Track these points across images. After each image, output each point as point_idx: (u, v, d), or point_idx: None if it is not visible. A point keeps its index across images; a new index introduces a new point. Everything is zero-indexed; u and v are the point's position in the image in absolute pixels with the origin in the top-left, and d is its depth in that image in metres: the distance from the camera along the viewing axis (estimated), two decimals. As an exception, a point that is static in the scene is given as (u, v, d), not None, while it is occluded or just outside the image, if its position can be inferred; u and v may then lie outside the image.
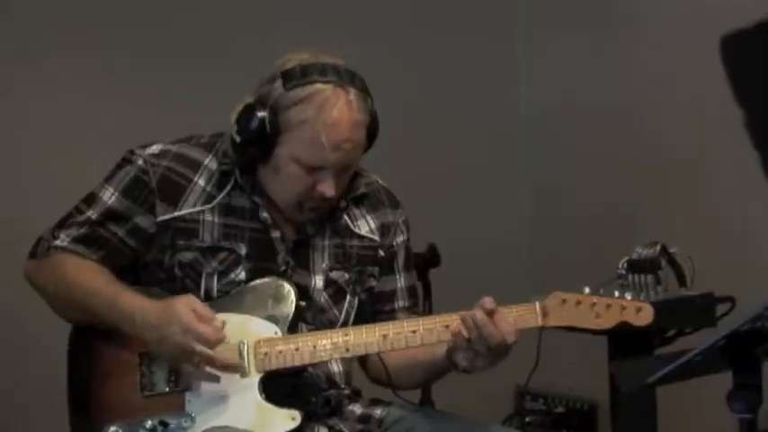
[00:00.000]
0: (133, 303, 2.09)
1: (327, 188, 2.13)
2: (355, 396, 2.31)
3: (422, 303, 2.88)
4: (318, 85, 2.10)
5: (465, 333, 2.05)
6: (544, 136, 3.92)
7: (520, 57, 3.98)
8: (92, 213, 2.20)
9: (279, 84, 2.12)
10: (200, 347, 2.04)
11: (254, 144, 2.13)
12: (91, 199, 2.22)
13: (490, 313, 2.04)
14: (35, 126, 3.17)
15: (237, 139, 2.13)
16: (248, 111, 2.12)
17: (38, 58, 3.15)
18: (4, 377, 3.08)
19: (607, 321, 2.09)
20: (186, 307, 2.05)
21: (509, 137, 3.95)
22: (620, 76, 3.62)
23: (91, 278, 2.15)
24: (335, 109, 2.09)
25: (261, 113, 2.11)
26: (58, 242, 2.20)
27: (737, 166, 3.17)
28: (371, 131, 2.17)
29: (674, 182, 3.43)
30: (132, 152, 2.23)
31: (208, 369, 2.08)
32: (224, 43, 3.35)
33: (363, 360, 2.32)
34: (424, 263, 2.97)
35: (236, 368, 2.09)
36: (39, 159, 3.14)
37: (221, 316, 2.12)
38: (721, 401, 1.81)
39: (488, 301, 2.05)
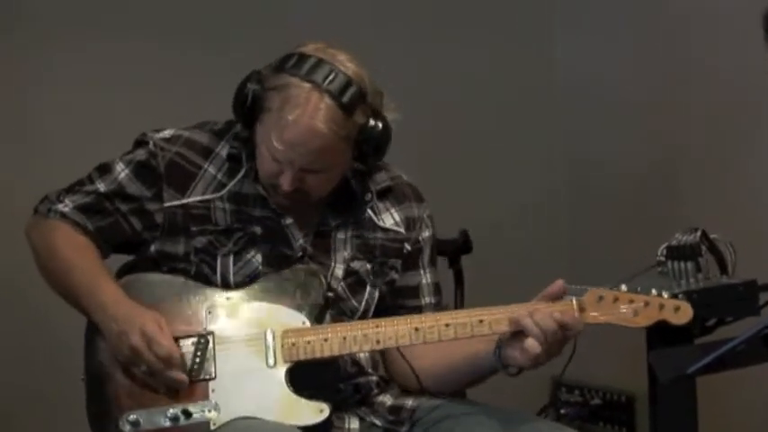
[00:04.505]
0: (110, 294, 2.11)
1: (284, 181, 2.10)
2: (384, 384, 2.28)
3: (453, 291, 2.85)
4: (295, 80, 2.06)
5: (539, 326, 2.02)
6: (581, 117, 3.86)
7: (556, 31, 3.92)
8: (101, 185, 2.22)
9: (276, 63, 2.11)
10: (150, 355, 2.04)
11: (240, 113, 2.13)
12: (104, 170, 2.23)
13: (555, 299, 2.04)
14: (45, 119, 3.18)
15: (232, 103, 2.14)
16: (246, 79, 2.13)
17: (49, 50, 3.17)
18: (18, 365, 3.08)
19: (645, 320, 2.07)
20: (154, 319, 2.07)
21: (544, 119, 3.89)
22: (661, 45, 3.56)
23: (79, 256, 2.17)
24: (297, 111, 2.04)
25: (251, 85, 2.10)
26: (60, 206, 2.21)
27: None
28: (361, 143, 2.11)
29: (717, 165, 3.37)
30: (145, 134, 2.24)
31: (148, 383, 2.07)
32: (240, 33, 3.35)
33: (388, 366, 2.28)
34: (455, 249, 2.93)
35: (181, 384, 2.06)
36: (45, 155, 3.15)
37: (248, 304, 2.11)
38: (764, 393, 1.76)
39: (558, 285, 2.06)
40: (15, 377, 3.07)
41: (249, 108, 2.11)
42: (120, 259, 2.28)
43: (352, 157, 2.15)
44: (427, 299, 2.30)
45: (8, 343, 3.08)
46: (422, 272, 2.30)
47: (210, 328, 2.11)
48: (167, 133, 2.22)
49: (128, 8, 3.26)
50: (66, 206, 2.21)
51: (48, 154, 3.13)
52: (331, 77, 2.06)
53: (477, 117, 3.71)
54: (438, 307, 2.32)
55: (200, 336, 2.10)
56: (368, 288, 2.23)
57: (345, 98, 2.06)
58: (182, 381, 2.06)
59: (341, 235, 2.23)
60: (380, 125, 2.12)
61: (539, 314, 2.02)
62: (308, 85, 2.06)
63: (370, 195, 2.24)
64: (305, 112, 2.05)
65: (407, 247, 2.28)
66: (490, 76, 3.76)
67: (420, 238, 2.30)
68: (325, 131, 2.05)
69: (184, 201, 2.17)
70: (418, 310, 2.28)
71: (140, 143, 2.23)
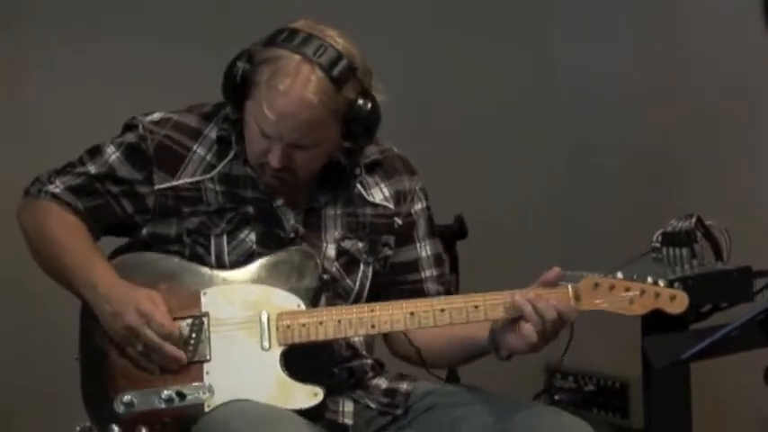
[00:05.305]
0: (102, 274, 2.11)
1: (272, 158, 2.10)
2: (379, 367, 2.28)
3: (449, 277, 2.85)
4: (285, 53, 2.06)
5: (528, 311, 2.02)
6: (580, 102, 3.86)
7: (556, 25, 3.91)
8: (91, 167, 2.21)
9: (266, 39, 2.11)
10: (148, 332, 2.04)
11: (229, 92, 2.13)
12: (95, 152, 2.23)
13: (552, 286, 2.04)
14: (45, 119, 3.17)
15: (222, 82, 2.14)
16: (236, 58, 2.12)
17: (49, 50, 3.16)
18: (19, 365, 3.08)
19: (640, 308, 2.07)
20: (148, 296, 2.07)
21: (543, 105, 3.89)
22: (660, 41, 3.56)
23: (71, 237, 2.17)
24: (287, 80, 2.04)
25: (240, 63, 2.10)
26: (51, 187, 2.21)
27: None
28: (351, 121, 2.10)
29: (712, 153, 3.37)
30: (134, 118, 2.24)
31: (143, 363, 2.07)
32: (240, 33, 3.30)
33: (389, 338, 2.29)
34: (450, 235, 2.93)
35: (179, 361, 2.06)
36: (45, 155, 3.11)
37: (243, 286, 2.11)
38: (758, 379, 1.76)
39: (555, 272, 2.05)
40: (16, 377, 3.07)
41: (239, 85, 2.10)
42: (113, 244, 2.27)
43: (341, 135, 2.14)
44: (427, 272, 2.29)
45: (9, 343, 3.08)
46: (418, 245, 2.29)
47: (206, 309, 2.10)
48: (156, 116, 2.22)
49: (128, 8, 3.26)
50: (57, 187, 2.21)
51: (48, 154, 3.09)
52: (321, 51, 2.07)
53: (475, 104, 3.70)
54: (440, 279, 2.31)
55: (196, 317, 2.10)
56: (361, 267, 2.23)
57: (336, 71, 2.06)
58: (179, 358, 2.06)
59: (330, 211, 2.22)
60: (370, 104, 2.12)
61: (540, 302, 2.02)
62: (298, 57, 2.06)
63: (359, 169, 2.24)
64: (295, 83, 2.04)
65: (398, 221, 2.27)
66: (490, 65, 3.75)
67: (412, 211, 2.29)
68: (315, 103, 2.05)
69: (175, 183, 2.17)
70: (419, 284, 2.27)
71: (130, 127, 2.23)
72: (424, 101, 3.54)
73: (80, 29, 3.19)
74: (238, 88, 2.11)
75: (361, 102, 2.11)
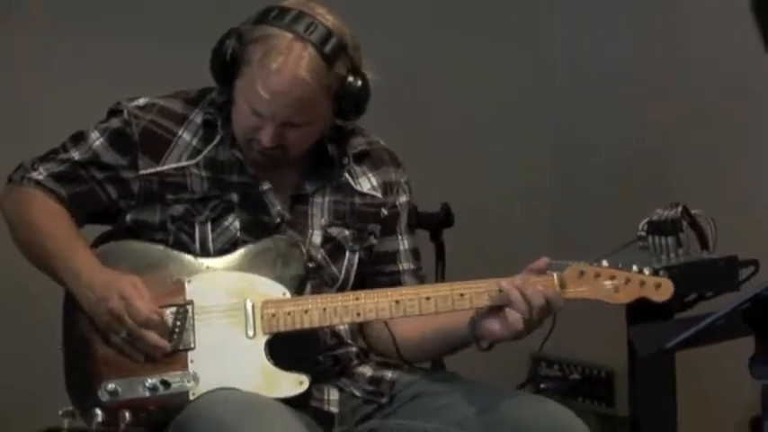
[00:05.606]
0: (85, 262, 2.10)
1: (264, 136, 2.10)
2: (364, 355, 2.28)
3: (435, 265, 2.85)
4: (276, 31, 2.07)
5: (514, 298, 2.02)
6: (565, 95, 3.86)
7: (545, 17, 3.90)
8: (75, 153, 2.21)
9: (255, 17, 2.11)
10: (128, 320, 2.03)
11: (218, 71, 2.13)
12: (78, 138, 2.22)
13: (538, 273, 2.04)
14: (45, 119, 3.14)
15: (210, 61, 2.13)
16: (225, 37, 2.12)
17: (49, 50, 3.14)
18: (19, 368, 3.06)
19: (625, 296, 2.07)
20: (131, 282, 2.06)
21: (529, 96, 3.88)
22: (646, 32, 3.56)
23: (54, 224, 2.16)
24: (280, 59, 2.05)
25: (229, 42, 2.10)
26: (34, 174, 2.20)
27: (761, 125, 3.12)
28: (345, 100, 2.11)
29: (698, 142, 3.37)
30: (119, 103, 2.23)
31: (128, 351, 2.06)
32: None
33: (366, 331, 2.28)
34: (437, 223, 2.92)
35: (162, 349, 2.05)
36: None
37: (228, 274, 2.11)
38: (742, 368, 1.77)
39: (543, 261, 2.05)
40: (15, 381, 3.05)
41: (229, 64, 2.10)
42: (96, 231, 2.26)
43: (333, 113, 2.15)
44: (405, 265, 2.29)
45: (9, 346, 3.06)
46: (399, 237, 2.30)
47: (190, 297, 2.10)
48: (141, 102, 2.22)
49: (128, 8, 3.24)
50: (40, 174, 2.20)
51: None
52: (312, 28, 2.07)
53: (462, 92, 3.69)
54: (417, 273, 2.31)
55: (180, 305, 2.09)
56: (347, 254, 2.23)
57: (327, 49, 2.07)
58: (162, 346, 2.05)
59: (318, 199, 2.22)
60: (360, 81, 2.12)
61: (529, 288, 2.02)
62: (289, 35, 2.06)
63: (347, 159, 2.24)
64: (288, 61, 2.04)
65: (384, 211, 2.27)
66: (484, 60, 3.74)
67: (397, 202, 2.29)
68: (308, 80, 2.05)
69: (159, 168, 2.16)
70: (396, 275, 2.28)
71: (114, 112, 2.22)
72: (414, 91, 3.53)
73: (80, 29, 3.17)
74: (228, 67, 2.10)
75: (351, 78, 2.11)
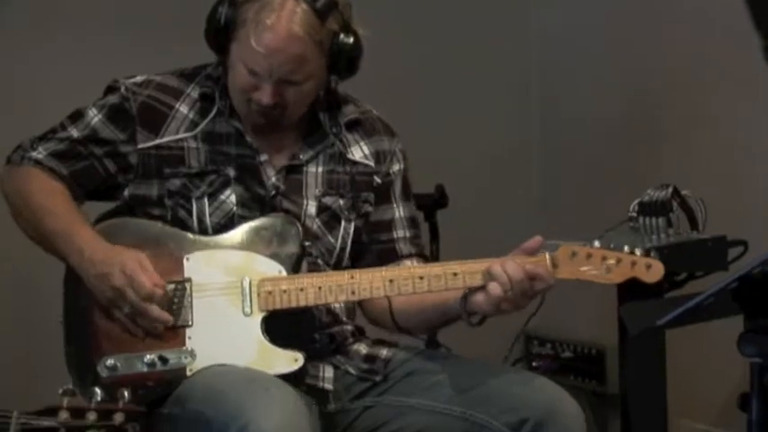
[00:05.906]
0: (86, 238, 2.11)
1: (262, 95, 2.12)
2: (359, 333, 2.30)
3: (429, 245, 2.86)
4: None
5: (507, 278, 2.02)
6: (555, 72, 3.86)
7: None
8: (74, 131, 2.22)
9: None
10: (132, 294, 2.04)
11: (213, 37, 2.15)
12: (77, 116, 2.24)
13: (531, 253, 2.05)
14: (45, 119, 3.12)
15: (204, 30, 2.15)
16: (217, 4, 2.14)
17: (49, 49, 3.14)
18: (19, 368, 3.06)
19: (617, 276, 2.08)
20: (134, 257, 2.08)
21: (518, 73, 3.89)
22: (638, 9, 3.55)
23: (54, 202, 2.17)
24: (273, 15, 2.07)
25: (222, 8, 2.12)
26: (33, 153, 2.21)
27: (753, 107, 3.13)
28: (338, 56, 2.14)
29: (689, 122, 3.38)
30: (116, 80, 2.24)
31: (129, 326, 2.08)
32: None
33: (366, 301, 2.28)
34: (431, 204, 2.94)
35: (165, 322, 2.07)
36: None
37: (226, 252, 2.12)
38: (731, 346, 1.79)
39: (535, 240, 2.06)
40: (14, 359, 3.06)
41: (223, 29, 2.12)
42: (96, 211, 2.27)
43: (327, 70, 2.16)
44: (400, 232, 2.30)
45: (7, 326, 3.06)
46: (394, 205, 2.31)
47: (188, 274, 2.11)
48: (139, 78, 2.24)
49: (128, 7, 3.24)
50: (39, 153, 2.21)
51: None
52: None
53: (452, 73, 3.69)
54: (414, 241, 2.32)
55: (179, 282, 2.11)
56: (342, 223, 2.24)
57: (319, 4, 2.09)
58: (165, 319, 2.07)
59: (312, 169, 2.24)
60: (352, 37, 2.14)
61: (509, 264, 2.03)
62: None
63: (338, 128, 2.25)
64: (281, 17, 2.07)
65: (377, 179, 2.28)
66: (464, 30, 3.73)
67: (391, 171, 2.30)
68: (302, 35, 2.08)
69: (158, 141, 2.18)
70: (391, 243, 2.29)
71: (112, 88, 2.24)
72: (405, 71, 3.53)
73: (79, 28, 3.17)
74: (222, 32, 2.13)
75: (343, 34, 2.14)
